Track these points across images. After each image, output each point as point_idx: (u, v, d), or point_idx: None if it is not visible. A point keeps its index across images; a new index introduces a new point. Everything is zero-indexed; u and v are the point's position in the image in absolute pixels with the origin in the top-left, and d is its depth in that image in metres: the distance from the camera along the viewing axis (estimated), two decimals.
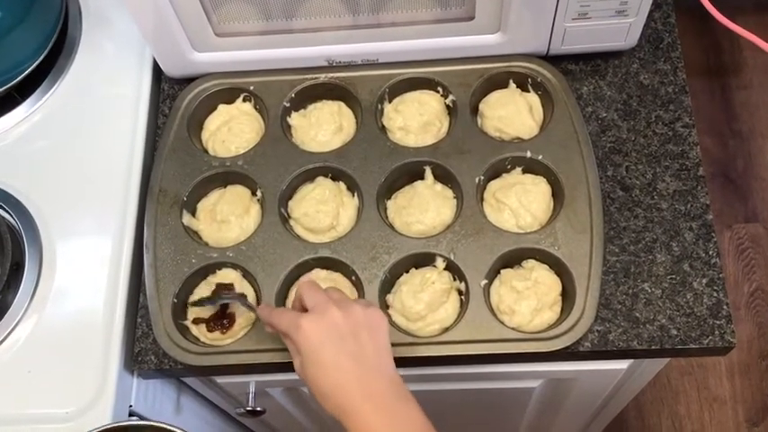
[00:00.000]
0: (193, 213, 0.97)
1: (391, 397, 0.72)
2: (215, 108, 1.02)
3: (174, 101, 1.02)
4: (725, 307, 0.89)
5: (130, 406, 0.92)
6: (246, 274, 0.92)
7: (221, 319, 0.89)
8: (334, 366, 0.72)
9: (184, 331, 0.90)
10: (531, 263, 0.91)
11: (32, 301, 0.93)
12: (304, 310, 0.76)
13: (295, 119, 1.01)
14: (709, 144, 2.07)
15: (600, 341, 0.88)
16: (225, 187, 0.98)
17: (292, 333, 0.74)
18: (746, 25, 0.86)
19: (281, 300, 0.91)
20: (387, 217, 0.95)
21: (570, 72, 1.02)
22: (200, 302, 0.90)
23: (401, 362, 0.87)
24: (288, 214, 0.96)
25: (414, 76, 1.00)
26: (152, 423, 0.85)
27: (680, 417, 1.87)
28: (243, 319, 0.90)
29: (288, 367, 0.89)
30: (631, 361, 0.99)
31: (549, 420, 1.31)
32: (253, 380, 0.99)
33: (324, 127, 0.99)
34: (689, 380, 1.90)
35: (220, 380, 1.01)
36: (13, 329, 0.92)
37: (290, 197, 0.97)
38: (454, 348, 0.87)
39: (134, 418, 0.91)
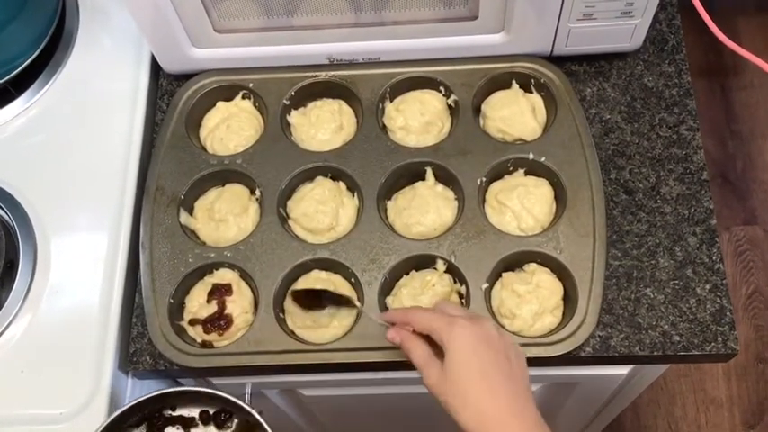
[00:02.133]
0: (191, 212, 0.96)
1: (538, 422, 0.69)
2: (214, 105, 1.01)
3: (173, 97, 1.00)
4: (728, 313, 0.88)
5: None
6: (244, 275, 0.91)
7: (218, 320, 0.88)
8: (484, 374, 0.69)
9: (180, 332, 0.89)
10: (532, 266, 0.90)
11: (26, 300, 0.91)
12: None
13: (295, 117, 0.99)
14: (708, 145, 2.07)
15: (601, 346, 0.87)
16: (223, 186, 0.97)
17: (444, 332, 0.71)
18: (748, 26, 0.86)
19: (279, 301, 0.90)
20: (387, 218, 0.94)
21: (574, 73, 1.01)
22: (307, 293, 0.87)
23: (400, 365, 0.87)
24: (287, 214, 0.95)
25: (415, 76, 0.99)
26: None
27: (676, 419, 1.87)
28: (240, 320, 0.89)
29: (285, 370, 0.89)
30: (632, 366, 0.98)
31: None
32: (249, 381, 0.98)
33: (324, 126, 0.98)
34: (685, 382, 1.90)
35: (216, 381, 1.00)
36: (6, 328, 0.90)
37: (290, 197, 0.95)
38: None
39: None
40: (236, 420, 0.90)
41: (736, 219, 2.02)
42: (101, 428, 0.83)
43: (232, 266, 0.91)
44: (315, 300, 0.87)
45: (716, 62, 2.19)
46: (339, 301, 0.87)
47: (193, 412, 0.91)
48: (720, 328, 0.87)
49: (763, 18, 2.07)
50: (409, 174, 0.95)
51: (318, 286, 0.89)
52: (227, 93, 1.01)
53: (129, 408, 0.85)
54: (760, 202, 2.04)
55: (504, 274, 0.90)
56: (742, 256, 1.99)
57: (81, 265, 0.93)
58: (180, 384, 1.00)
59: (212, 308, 0.89)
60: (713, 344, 0.87)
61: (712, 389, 1.89)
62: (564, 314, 0.88)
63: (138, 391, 0.93)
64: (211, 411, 0.91)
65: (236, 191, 0.95)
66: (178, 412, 0.91)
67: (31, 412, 0.88)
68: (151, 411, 0.89)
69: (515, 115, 0.96)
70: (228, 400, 0.87)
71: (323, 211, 0.93)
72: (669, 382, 1.89)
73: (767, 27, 2.04)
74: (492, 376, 0.69)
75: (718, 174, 2.05)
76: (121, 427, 0.87)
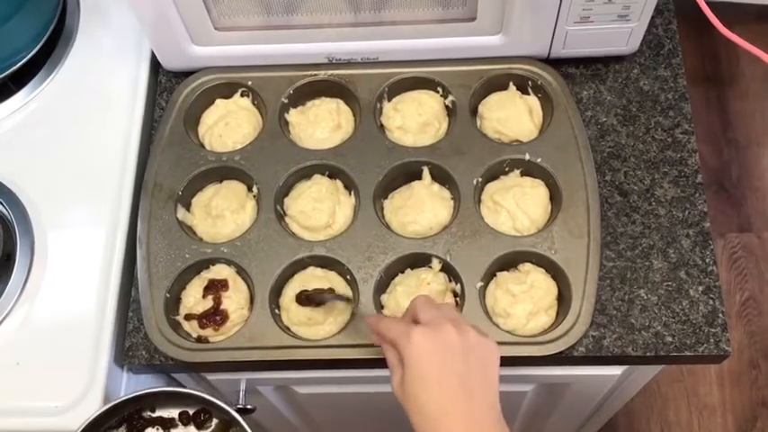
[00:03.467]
0: (188, 208, 0.96)
1: (494, 427, 0.68)
2: (212, 102, 1.01)
3: (172, 94, 1.01)
4: (720, 315, 0.89)
5: None
6: (240, 271, 0.91)
7: (214, 316, 0.88)
8: (440, 383, 0.68)
9: (176, 327, 0.89)
10: (527, 266, 0.90)
11: (23, 293, 0.92)
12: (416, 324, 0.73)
13: (293, 115, 1.00)
14: (704, 152, 2.08)
15: (594, 346, 0.88)
16: (221, 182, 0.97)
17: (401, 343, 0.70)
18: (749, 34, 0.86)
19: (274, 297, 0.90)
20: (383, 216, 0.94)
21: (570, 76, 1.01)
22: (307, 297, 0.87)
23: None
24: (284, 211, 0.95)
25: (414, 76, 0.99)
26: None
27: (669, 424, 1.87)
28: (236, 315, 0.89)
29: (279, 365, 0.89)
30: (625, 367, 0.98)
31: (539, 426, 1.30)
32: (244, 377, 0.98)
33: (322, 124, 0.98)
34: (678, 387, 1.90)
35: (211, 377, 1.00)
36: (2, 321, 0.91)
37: (287, 194, 0.96)
38: None
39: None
40: (215, 420, 0.90)
41: (731, 226, 2.03)
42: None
43: (228, 262, 0.92)
44: (312, 300, 0.87)
45: (712, 71, 2.20)
46: (331, 295, 0.87)
47: (173, 413, 0.91)
48: (713, 330, 0.88)
49: (762, 27, 2.09)
50: (406, 173, 0.96)
51: (314, 284, 0.89)
52: (226, 90, 1.01)
53: (107, 410, 0.85)
54: (755, 210, 2.05)
55: (498, 274, 0.90)
56: (736, 263, 2.00)
57: (78, 260, 0.94)
58: (174, 380, 1.01)
59: (208, 303, 0.89)
60: (705, 345, 0.87)
61: (705, 394, 1.89)
62: (557, 314, 0.89)
63: (133, 385, 0.94)
64: (191, 412, 0.90)
65: (233, 188, 0.96)
66: (158, 413, 0.91)
67: (26, 405, 0.88)
68: (130, 413, 0.89)
69: (512, 116, 0.97)
70: (206, 399, 0.86)
71: (320, 208, 0.93)
72: (662, 387, 1.90)
73: (766, 36, 2.05)
74: (446, 386, 0.68)
75: (713, 181, 2.06)
76: (100, 431, 0.87)
